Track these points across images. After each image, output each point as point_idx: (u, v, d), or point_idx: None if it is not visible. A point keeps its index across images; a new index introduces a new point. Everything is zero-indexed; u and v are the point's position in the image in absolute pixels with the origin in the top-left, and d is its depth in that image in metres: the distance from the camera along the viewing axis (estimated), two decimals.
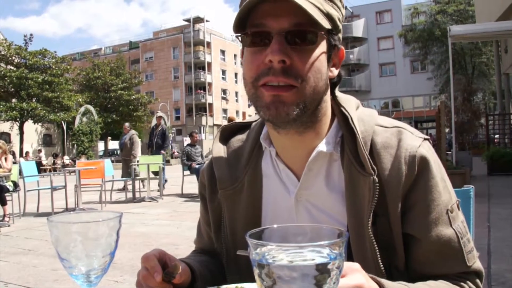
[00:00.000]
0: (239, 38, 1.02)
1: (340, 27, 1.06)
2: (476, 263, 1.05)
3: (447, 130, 15.58)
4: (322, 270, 0.53)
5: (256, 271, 0.54)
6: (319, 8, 0.98)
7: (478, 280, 1.05)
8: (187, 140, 54.77)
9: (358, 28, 57.27)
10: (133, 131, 13.78)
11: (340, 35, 1.08)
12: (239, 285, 1.01)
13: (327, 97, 1.09)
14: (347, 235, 0.57)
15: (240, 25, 1.01)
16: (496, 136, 20.29)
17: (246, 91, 1.04)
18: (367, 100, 56.58)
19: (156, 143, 13.74)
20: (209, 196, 1.24)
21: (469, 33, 13.73)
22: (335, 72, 1.09)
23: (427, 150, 1.06)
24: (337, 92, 1.15)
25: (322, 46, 1.00)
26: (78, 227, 0.77)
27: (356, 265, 0.79)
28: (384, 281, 0.88)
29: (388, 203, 1.02)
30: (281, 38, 0.96)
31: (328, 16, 1.00)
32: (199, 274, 1.12)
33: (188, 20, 68.37)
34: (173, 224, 7.97)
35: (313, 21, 0.94)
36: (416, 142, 1.05)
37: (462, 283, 1.02)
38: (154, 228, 7.68)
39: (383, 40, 57.36)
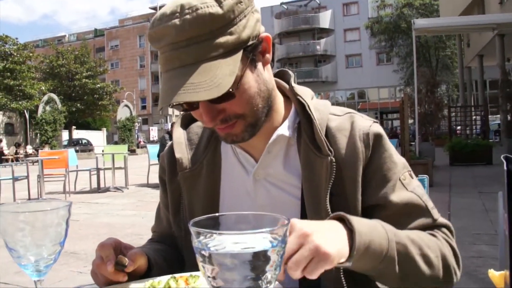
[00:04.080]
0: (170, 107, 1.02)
1: (247, 35, 0.99)
2: (442, 219, 1.11)
3: (410, 121, 15.86)
4: (263, 257, 0.54)
5: (199, 259, 0.55)
6: (217, 56, 0.94)
7: (447, 231, 1.10)
8: (153, 130, 54.03)
9: (325, 19, 57.48)
10: None
11: (254, 40, 1.02)
12: (193, 273, 1.02)
13: (275, 91, 1.14)
14: (288, 222, 0.58)
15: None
16: (458, 127, 20.82)
17: None
18: (333, 91, 57.07)
19: None
20: (169, 179, 1.28)
21: (432, 27, 14.00)
22: (269, 60, 1.08)
23: (378, 128, 1.14)
24: (293, 83, 1.20)
25: (245, 79, 1.00)
26: (25, 216, 0.76)
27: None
28: (349, 216, 0.91)
29: (345, 181, 1.08)
30: (206, 105, 0.99)
31: (230, 51, 0.96)
32: (154, 263, 1.14)
33: (154, 8, 67.39)
34: (138, 214, 7.90)
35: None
36: (367, 123, 1.14)
37: (433, 232, 1.08)
38: (119, 218, 7.60)
39: (349, 31, 57.75)
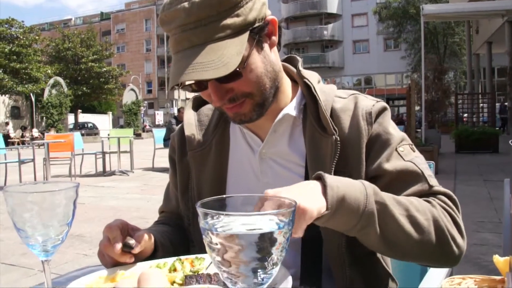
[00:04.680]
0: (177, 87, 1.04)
1: (253, 17, 1.02)
2: (440, 187, 1.10)
3: (417, 108, 15.78)
4: (269, 238, 0.54)
5: (205, 239, 0.55)
6: (224, 37, 0.97)
7: (446, 199, 1.08)
8: (159, 114, 54.05)
9: (332, 4, 57.01)
10: None
11: (260, 23, 1.04)
12: (198, 255, 1.03)
13: (282, 73, 1.17)
14: (295, 204, 0.58)
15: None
16: (465, 115, 20.69)
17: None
18: (340, 77, 56.76)
19: None
20: (178, 159, 1.31)
21: (441, 13, 13.88)
22: (275, 43, 1.11)
23: (382, 105, 1.17)
24: (301, 68, 1.22)
25: (252, 59, 1.03)
26: (33, 197, 0.76)
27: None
28: (324, 173, 0.93)
29: (349, 159, 1.11)
30: (215, 84, 1.02)
31: (237, 32, 0.99)
32: (160, 245, 1.16)
33: None
34: (144, 198, 7.95)
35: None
36: (371, 102, 1.17)
37: (428, 199, 1.06)
38: (125, 202, 7.66)
39: (357, 17, 57.26)
